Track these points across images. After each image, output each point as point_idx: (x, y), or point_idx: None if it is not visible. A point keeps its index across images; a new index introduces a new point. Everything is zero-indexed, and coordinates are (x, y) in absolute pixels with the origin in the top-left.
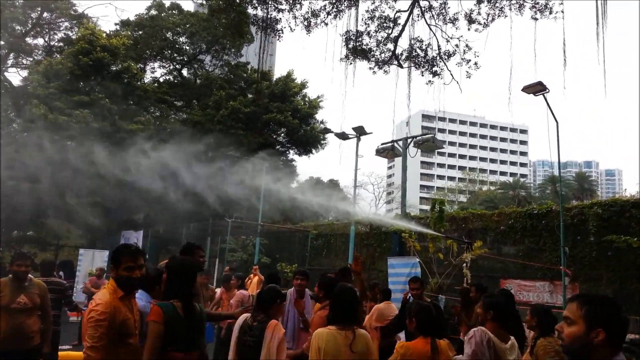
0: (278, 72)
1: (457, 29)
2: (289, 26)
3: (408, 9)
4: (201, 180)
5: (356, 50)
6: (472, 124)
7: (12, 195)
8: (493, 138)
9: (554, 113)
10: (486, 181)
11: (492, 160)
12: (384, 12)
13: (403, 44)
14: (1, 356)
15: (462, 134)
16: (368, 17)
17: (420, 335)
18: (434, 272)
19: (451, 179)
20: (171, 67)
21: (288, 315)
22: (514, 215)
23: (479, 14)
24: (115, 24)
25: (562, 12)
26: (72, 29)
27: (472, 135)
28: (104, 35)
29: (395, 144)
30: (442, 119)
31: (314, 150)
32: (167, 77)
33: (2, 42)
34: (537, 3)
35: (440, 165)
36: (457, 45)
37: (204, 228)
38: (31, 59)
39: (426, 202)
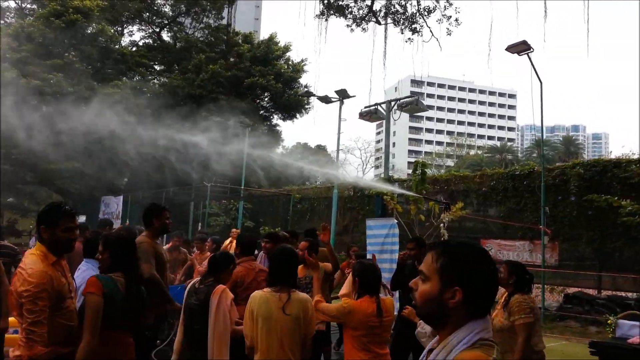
0: (264, 37)
1: None
2: None
3: None
4: (183, 145)
5: (331, 5)
6: (461, 88)
7: None
8: (482, 103)
9: (538, 73)
10: (474, 146)
11: (481, 125)
12: None
13: None
14: None
15: (450, 98)
16: None
17: (366, 294)
18: (415, 234)
19: (439, 143)
20: (150, 31)
21: None
22: (497, 176)
23: None
24: None
25: None
26: None
27: (461, 100)
28: None
29: (379, 107)
30: (431, 84)
31: (298, 115)
32: (147, 41)
33: None
34: None
35: (429, 130)
36: (437, 0)
37: (187, 193)
38: (2, 22)
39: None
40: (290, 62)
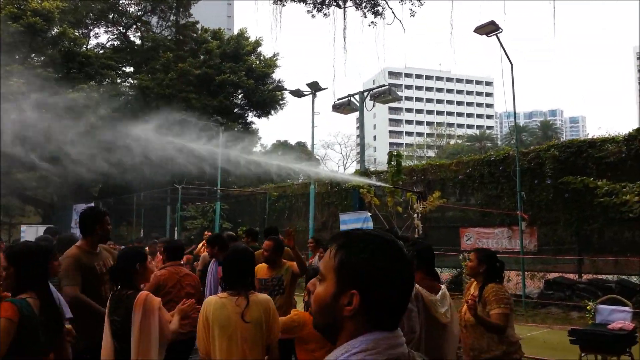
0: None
1: None
2: None
3: None
4: (155, 148)
5: None
6: (438, 78)
7: None
8: (459, 92)
9: (508, 54)
10: (454, 135)
11: (460, 114)
12: None
13: None
14: None
15: (428, 89)
16: None
17: None
18: (393, 226)
19: (420, 134)
20: (117, 32)
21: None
22: (472, 163)
23: None
24: None
25: None
26: None
27: (439, 90)
28: None
29: (352, 99)
30: (409, 75)
31: (272, 112)
32: (114, 43)
33: None
34: None
35: (409, 122)
36: None
37: (160, 197)
38: None
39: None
40: (261, 58)
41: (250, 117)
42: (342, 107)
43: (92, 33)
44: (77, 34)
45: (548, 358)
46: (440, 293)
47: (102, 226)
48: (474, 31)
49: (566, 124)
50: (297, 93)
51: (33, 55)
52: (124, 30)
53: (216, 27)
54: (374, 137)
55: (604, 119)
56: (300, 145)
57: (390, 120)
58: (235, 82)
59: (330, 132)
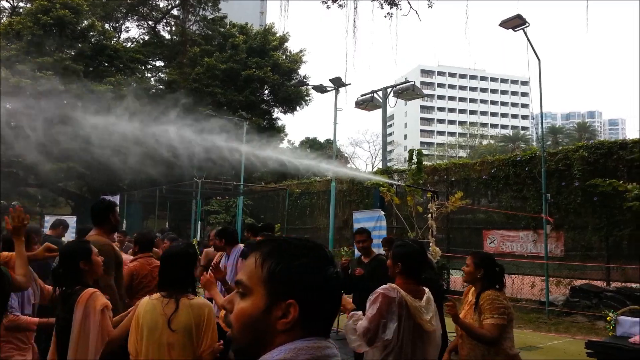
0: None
1: None
2: None
3: None
4: (182, 142)
5: None
6: (472, 77)
7: None
8: (494, 91)
9: (535, 49)
10: (487, 135)
11: (493, 114)
12: None
13: None
14: None
15: (462, 88)
16: None
17: None
18: (413, 226)
19: (452, 134)
20: (146, 26)
21: None
22: (497, 163)
23: None
24: None
25: None
26: None
27: (473, 89)
28: None
29: (376, 95)
30: (442, 74)
31: (298, 108)
32: (144, 37)
33: None
34: None
35: (441, 121)
36: None
37: (185, 191)
38: None
39: (426, 158)
40: (287, 53)
41: (276, 112)
42: (365, 103)
43: (122, 27)
44: (106, 27)
45: None
46: (425, 298)
47: (115, 216)
48: (500, 25)
49: (605, 126)
50: (320, 89)
51: (63, 48)
52: (153, 25)
53: (249, 23)
54: (405, 135)
55: None
56: (329, 143)
57: (421, 119)
58: (261, 77)
59: (359, 130)
